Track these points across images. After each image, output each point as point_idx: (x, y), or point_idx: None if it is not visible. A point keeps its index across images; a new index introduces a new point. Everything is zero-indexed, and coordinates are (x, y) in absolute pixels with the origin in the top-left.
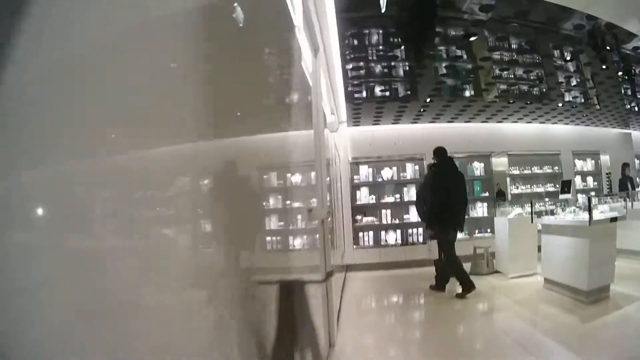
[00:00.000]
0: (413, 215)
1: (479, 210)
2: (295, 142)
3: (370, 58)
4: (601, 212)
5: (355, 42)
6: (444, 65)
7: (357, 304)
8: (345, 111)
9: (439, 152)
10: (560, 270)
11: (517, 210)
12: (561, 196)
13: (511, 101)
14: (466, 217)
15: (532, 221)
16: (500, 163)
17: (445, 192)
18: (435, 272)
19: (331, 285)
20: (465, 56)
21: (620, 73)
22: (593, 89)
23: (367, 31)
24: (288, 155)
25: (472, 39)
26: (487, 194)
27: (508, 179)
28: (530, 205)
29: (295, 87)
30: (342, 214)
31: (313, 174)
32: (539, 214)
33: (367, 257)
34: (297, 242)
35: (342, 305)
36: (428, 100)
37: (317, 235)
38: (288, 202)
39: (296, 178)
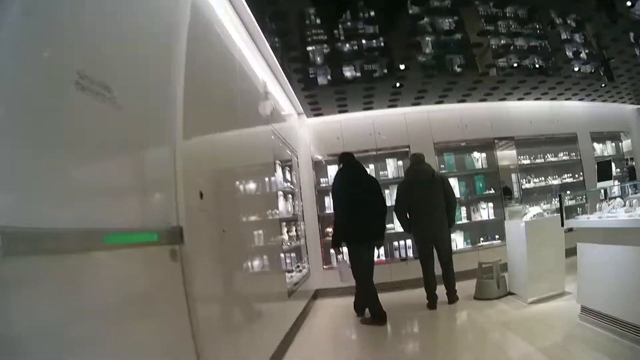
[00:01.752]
0: (399, 224)
1: (483, 212)
2: None
3: (307, 30)
4: None
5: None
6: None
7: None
8: (297, 99)
9: (343, 156)
10: (610, 296)
11: (535, 209)
12: (600, 184)
13: (511, 73)
14: (467, 221)
15: (562, 224)
16: (505, 153)
17: (351, 202)
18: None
19: None
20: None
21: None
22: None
23: None
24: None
25: None
26: (492, 191)
27: (517, 173)
28: (558, 200)
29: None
30: (303, 227)
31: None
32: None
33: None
34: None
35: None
36: (400, 74)
37: None
38: None
39: None
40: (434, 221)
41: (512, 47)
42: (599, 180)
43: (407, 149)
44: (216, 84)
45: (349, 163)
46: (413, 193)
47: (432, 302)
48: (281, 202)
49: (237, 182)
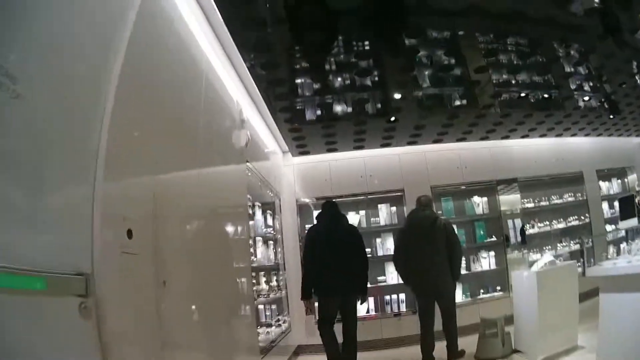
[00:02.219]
0: (391, 276)
1: (484, 262)
2: None
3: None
4: None
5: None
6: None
7: None
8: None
9: (323, 205)
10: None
11: (547, 257)
12: (623, 224)
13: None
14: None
15: (584, 272)
16: (508, 197)
17: (323, 251)
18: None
19: None
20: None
21: None
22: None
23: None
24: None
25: None
26: (494, 239)
27: (520, 217)
28: (579, 246)
29: None
30: (285, 276)
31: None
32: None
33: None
34: None
35: None
36: (395, 106)
37: None
38: None
39: None
40: (435, 273)
41: (514, 82)
42: (622, 219)
43: (402, 193)
44: (170, 97)
45: (326, 211)
46: (411, 241)
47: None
48: (260, 249)
49: (191, 224)
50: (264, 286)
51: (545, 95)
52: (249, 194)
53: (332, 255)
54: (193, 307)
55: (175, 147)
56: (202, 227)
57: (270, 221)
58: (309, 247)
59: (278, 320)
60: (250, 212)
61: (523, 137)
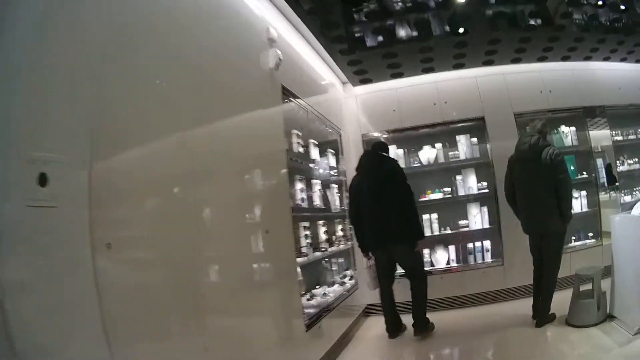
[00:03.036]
0: (474, 219)
1: (575, 203)
2: None
3: None
4: None
5: None
6: None
7: None
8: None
9: (364, 152)
10: None
11: None
12: None
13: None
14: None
15: None
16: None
17: (359, 200)
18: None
19: None
20: None
21: None
22: None
23: None
24: None
25: None
26: (584, 175)
27: (605, 153)
28: None
29: None
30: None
31: None
32: None
33: (400, 291)
34: None
35: None
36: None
37: None
38: None
39: None
40: (539, 210)
41: None
42: None
43: (482, 122)
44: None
45: (364, 158)
46: (514, 173)
47: (542, 317)
48: (317, 193)
49: (171, 166)
50: (323, 237)
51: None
52: (297, 131)
53: (372, 207)
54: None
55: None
56: (190, 171)
57: (332, 162)
58: (351, 201)
59: (344, 276)
60: (301, 150)
61: (605, 59)
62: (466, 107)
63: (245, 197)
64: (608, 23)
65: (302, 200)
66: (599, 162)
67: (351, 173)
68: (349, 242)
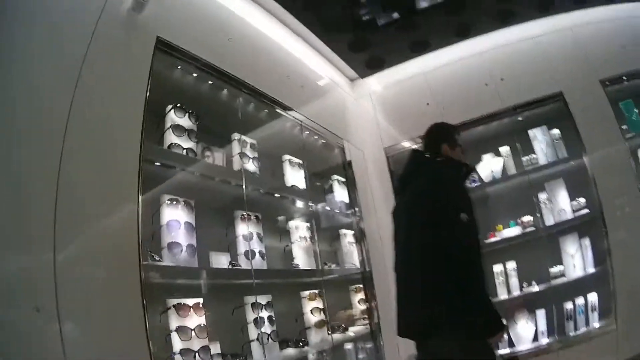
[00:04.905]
0: (572, 262)
1: None
2: None
3: None
4: None
5: None
6: None
7: None
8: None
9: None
10: None
11: None
12: None
13: None
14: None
15: None
16: None
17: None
18: None
19: None
20: None
21: None
22: None
23: None
24: None
25: None
26: None
27: None
28: None
29: None
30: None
31: None
32: None
33: None
34: None
35: None
36: None
37: None
38: None
39: None
40: None
41: None
42: None
43: (561, 101)
44: None
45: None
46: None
47: None
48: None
49: None
50: (311, 319)
51: None
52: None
53: (399, 257)
54: None
55: None
56: None
57: (340, 195)
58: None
59: None
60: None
61: None
62: (532, 81)
63: None
64: None
65: (250, 255)
66: None
67: (372, 210)
68: (373, 318)
